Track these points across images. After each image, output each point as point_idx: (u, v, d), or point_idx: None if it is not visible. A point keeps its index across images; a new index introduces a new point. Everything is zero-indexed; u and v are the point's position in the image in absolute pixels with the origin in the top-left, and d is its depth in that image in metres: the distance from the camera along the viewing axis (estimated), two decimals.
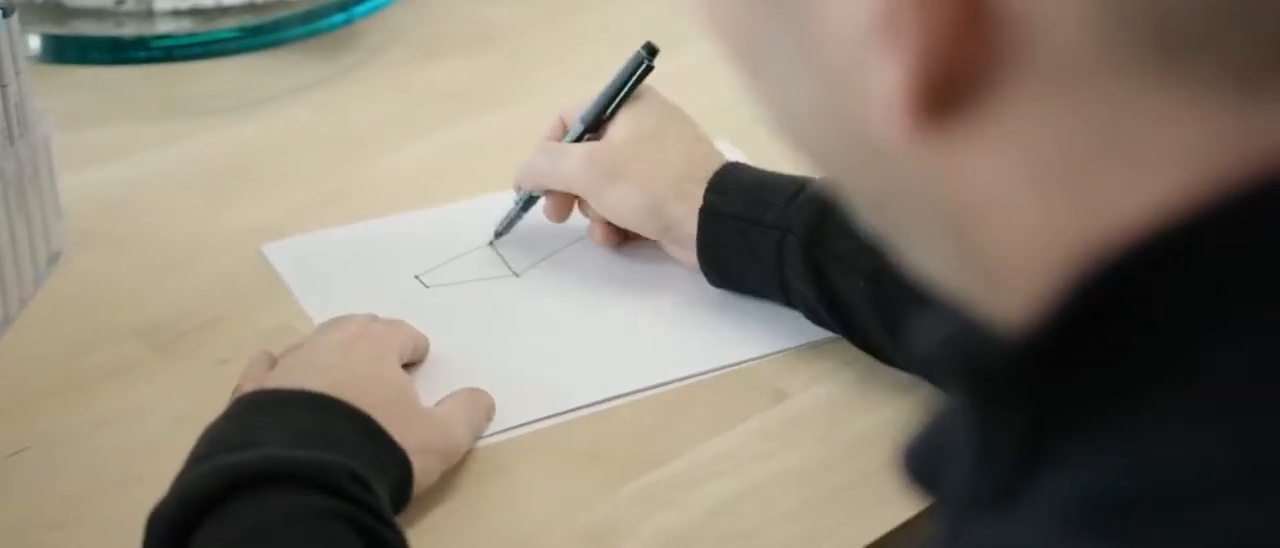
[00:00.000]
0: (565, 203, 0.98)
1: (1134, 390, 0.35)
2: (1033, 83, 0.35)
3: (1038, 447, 0.37)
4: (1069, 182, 0.35)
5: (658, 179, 0.93)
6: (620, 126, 0.96)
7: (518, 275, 0.96)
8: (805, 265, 0.87)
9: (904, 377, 0.87)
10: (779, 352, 0.90)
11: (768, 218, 0.89)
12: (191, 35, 1.17)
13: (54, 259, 0.96)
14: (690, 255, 0.93)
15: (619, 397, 0.86)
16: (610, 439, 0.84)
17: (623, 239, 0.98)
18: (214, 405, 0.77)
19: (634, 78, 0.96)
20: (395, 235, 1.00)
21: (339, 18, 1.21)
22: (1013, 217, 0.36)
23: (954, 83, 0.35)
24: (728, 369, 0.89)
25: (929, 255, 0.41)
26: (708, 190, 0.91)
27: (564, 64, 1.24)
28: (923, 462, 0.43)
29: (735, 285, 0.93)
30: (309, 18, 1.20)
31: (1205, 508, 0.33)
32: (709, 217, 0.91)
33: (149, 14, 1.20)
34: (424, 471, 0.77)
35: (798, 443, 0.84)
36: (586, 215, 0.98)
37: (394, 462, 0.75)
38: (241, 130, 1.14)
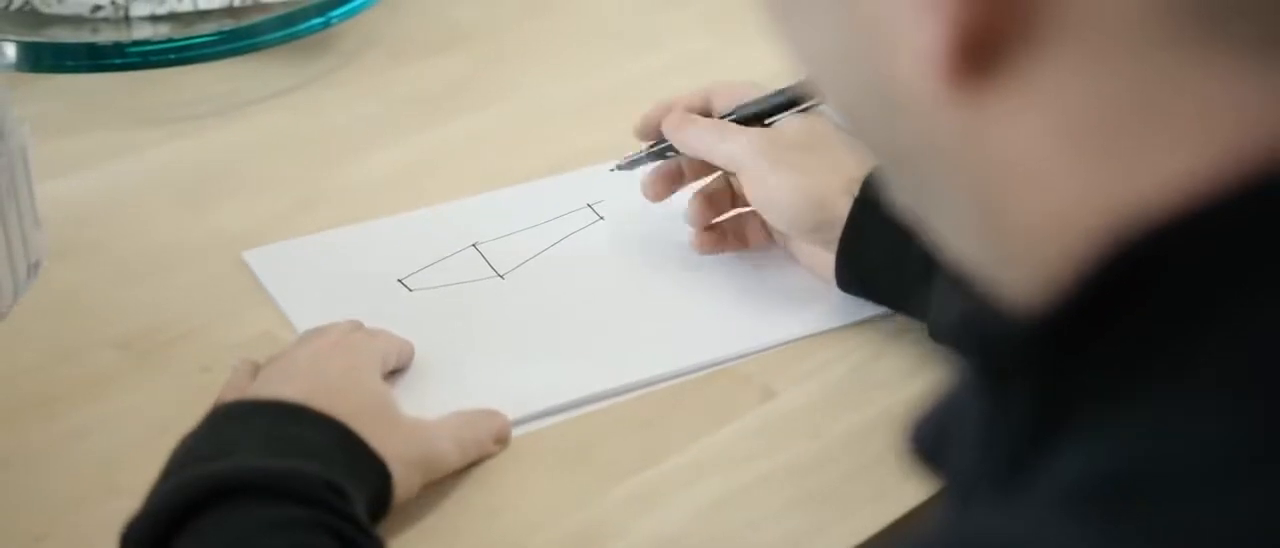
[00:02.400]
0: (671, 182, 0.95)
1: (1149, 370, 0.35)
2: (1070, 47, 0.34)
3: (1048, 425, 0.36)
4: (1099, 149, 0.35)
5: (828, 174, 0.88)
6: (791, 124, 0.91)
7: (502, 277, 0.96)
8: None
9: (892, 374, 0.87)
10: (766, 349, 0.89)
11: None
12: (168, 41, 1.16)
13: (34, 270, 0.95)
14: (825, 261, 0.89)
15: (605, 397, 0.85)
16: (598, 440, 0.83)
17: (721, 247, 0.95)
18: (196, 414, 0.77)
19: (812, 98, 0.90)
20: (377, 240, 0.99)
21: (316, 22, 1.21)
22: (1041, 183, 0.36)
23: (992, 43, 0.35)
24: (715, 368, 0.88)
25: (952, 223, 0.40)
26: (869, 176, 0.86)
27: (541, 64, 1.24)
28: (931, 438, 0.42)
29: (866, 275, 0.88)
30: (286, 22, 1.19)
31: (1215, 492, 0.33)
32: (864, 205, 0.86)
33: (125, 20, 1.19)
34: (403, 480, 0.75)
35: (786, 442, 0.83)
36: (690, 220, 0.94)
37: (371, 470, 0.74)
38: (219, 136, 1.13)
